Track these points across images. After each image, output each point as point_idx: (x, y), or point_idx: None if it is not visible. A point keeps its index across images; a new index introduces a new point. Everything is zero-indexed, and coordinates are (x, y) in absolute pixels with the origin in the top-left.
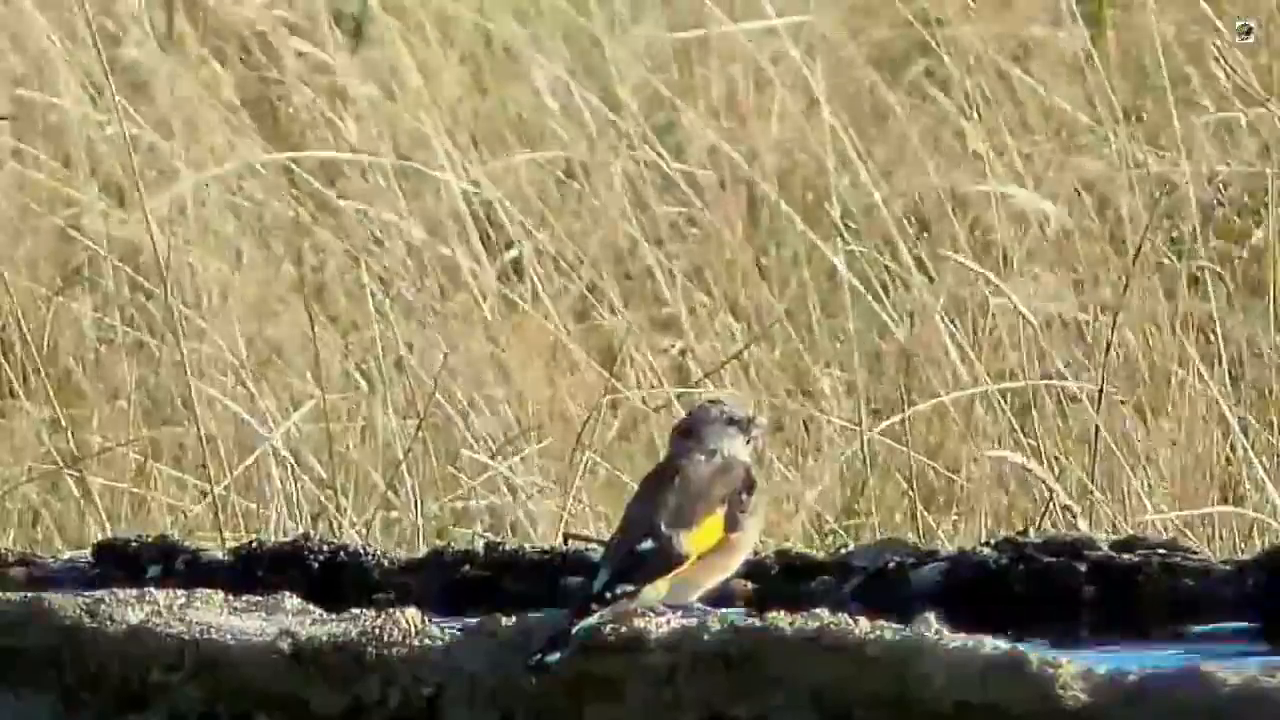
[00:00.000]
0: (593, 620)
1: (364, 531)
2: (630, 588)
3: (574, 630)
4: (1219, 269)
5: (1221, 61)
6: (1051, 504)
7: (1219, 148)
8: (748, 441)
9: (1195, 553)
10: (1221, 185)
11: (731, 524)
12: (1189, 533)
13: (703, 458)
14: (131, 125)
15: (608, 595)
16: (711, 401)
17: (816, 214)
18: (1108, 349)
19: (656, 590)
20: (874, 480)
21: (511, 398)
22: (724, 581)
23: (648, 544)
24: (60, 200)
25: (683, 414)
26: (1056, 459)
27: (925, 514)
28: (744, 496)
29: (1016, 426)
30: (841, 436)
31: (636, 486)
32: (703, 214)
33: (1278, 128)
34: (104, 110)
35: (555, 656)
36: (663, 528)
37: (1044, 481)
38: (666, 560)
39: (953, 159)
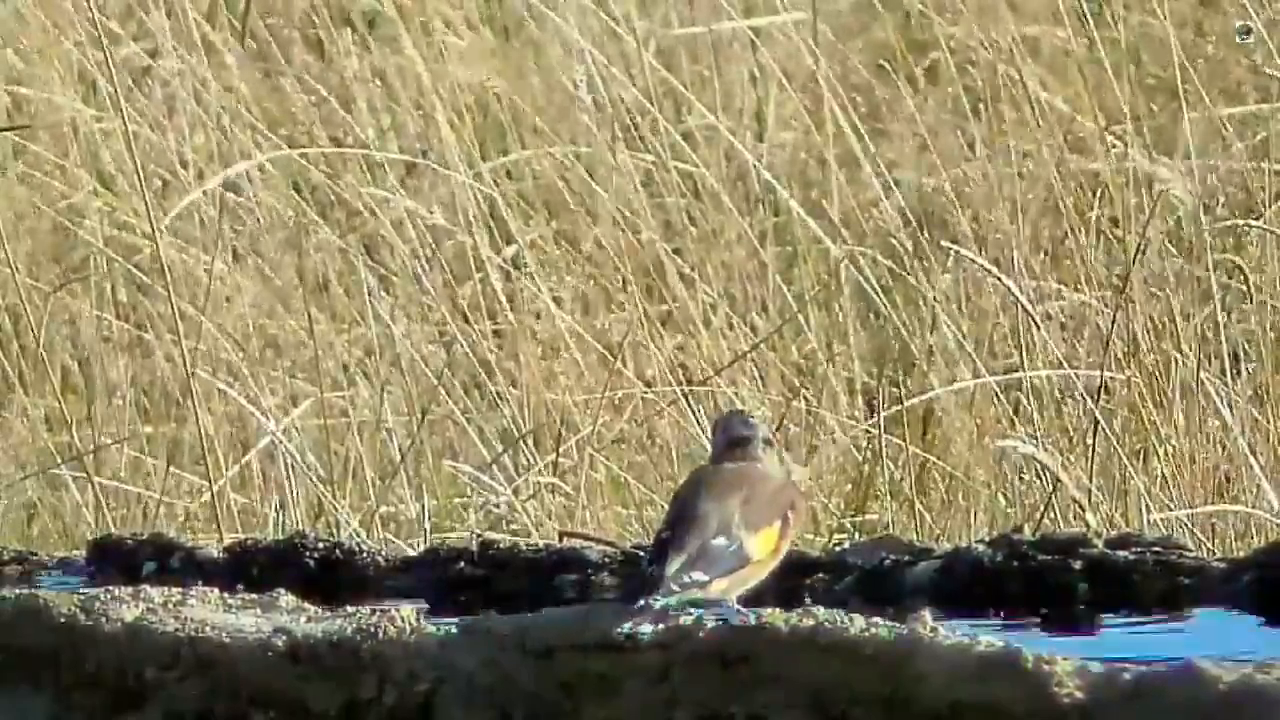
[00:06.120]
0: (672, 599)
1: (361, 529)
2: (704, 578)
3: (657, 605)
4: (1217, 266)
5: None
6: (1055, 497)
7: (1217, 144)
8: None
9: (1190, 550)
10: (1219, 183)
11: (782, 537)
12: (1190, 529)
13: (766, 469)
14: (132, 122)
15: (684, 580)
16: (751, 415)
17: (819, 210)
18: (1107, 344)
19: (720, 587)
20: (877, 474)
21: (511, 394)
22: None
23: (721, 540)
24: (59, 196)
25: (686, 412)
26: (1062, 452)
27: (925, 510)
28: (790, 514)
29: (1017, 420)
30: (841, 433)
31: (680, 483)
32: (706, 210)
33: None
34: (101, 107)
35: (647, 629)
36: (737, 529)
37: (1050, 472)
38: (741, 560)
39: (952, 157)
